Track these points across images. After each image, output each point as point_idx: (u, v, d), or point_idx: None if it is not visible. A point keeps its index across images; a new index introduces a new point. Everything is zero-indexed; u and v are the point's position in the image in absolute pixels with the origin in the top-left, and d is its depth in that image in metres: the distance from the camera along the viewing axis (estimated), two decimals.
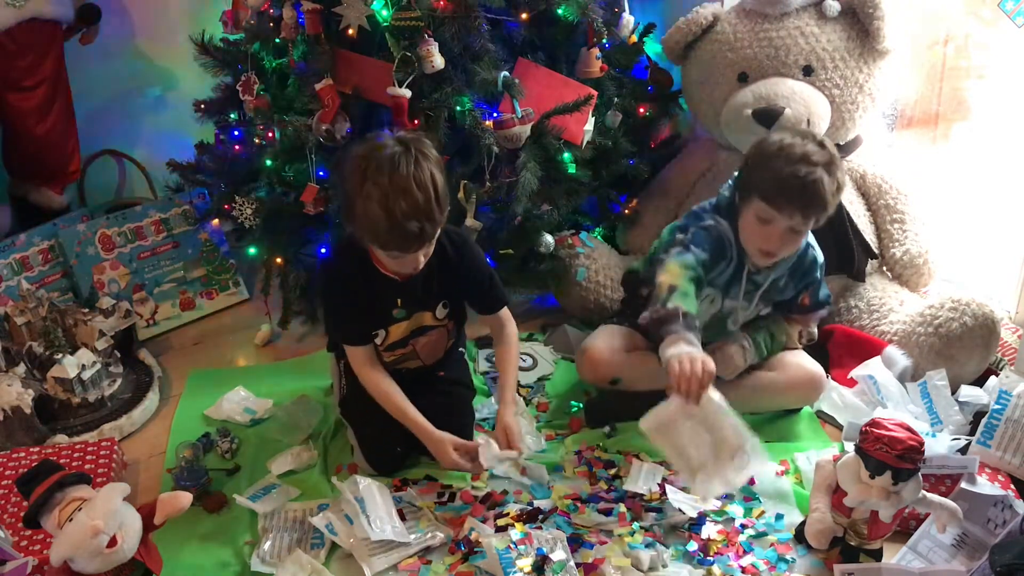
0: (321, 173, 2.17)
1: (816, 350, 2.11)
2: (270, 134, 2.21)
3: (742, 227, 1.86)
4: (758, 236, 1.83)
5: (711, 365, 1.63)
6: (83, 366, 2.07)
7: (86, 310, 2.24)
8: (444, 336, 1.97)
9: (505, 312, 1.97)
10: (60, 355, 2.08)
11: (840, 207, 2.25)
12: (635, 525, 1.77)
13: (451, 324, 1.96)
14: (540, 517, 1.78)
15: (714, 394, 1.63)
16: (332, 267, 2.00)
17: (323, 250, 2.30)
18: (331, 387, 2.15)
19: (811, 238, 1.94)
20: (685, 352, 1.63)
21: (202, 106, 2.51)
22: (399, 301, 1.85)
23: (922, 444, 1.53)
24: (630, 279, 2.18)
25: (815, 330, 2.12)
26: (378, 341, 1.89)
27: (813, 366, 2.05)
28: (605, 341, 2.08)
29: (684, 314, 1.70)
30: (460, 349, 2.11)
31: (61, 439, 2.03)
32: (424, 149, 1.66)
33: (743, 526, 1.77)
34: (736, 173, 1.89)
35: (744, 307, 1.98)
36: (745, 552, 1.71)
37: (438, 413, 1.92)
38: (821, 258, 1.97)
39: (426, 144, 1.69)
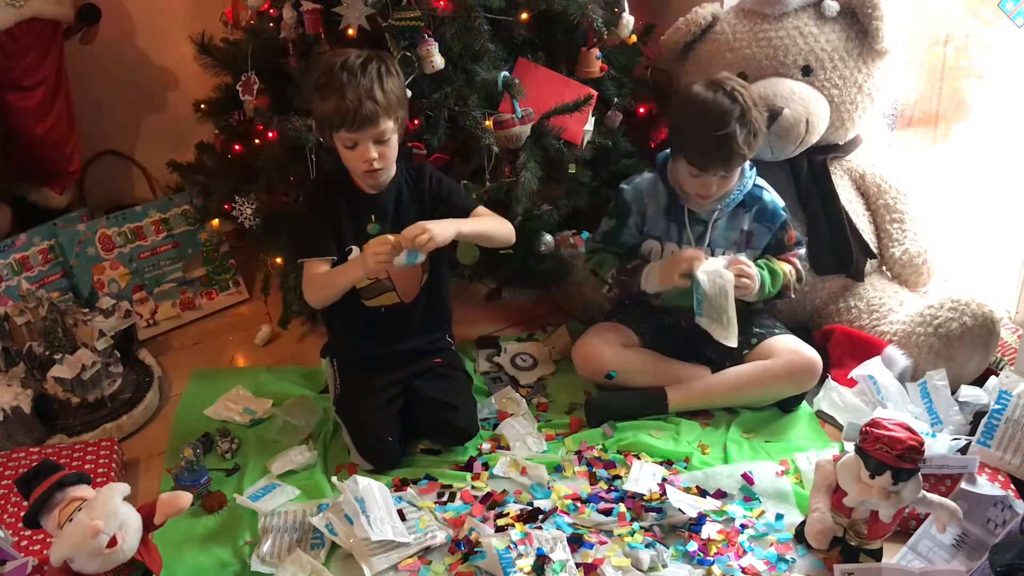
0: None
1: (816, 350, 2.10)
2: (270, 134, 2.21)
3: (678, 176, 2.06)
4: (694, 185, 2.02)
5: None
6: (83, 366, 2.07)
7: (86, 310, 2.24)
8: (418, 267, 1.99)
9: (481, 209, 2.02)
10: (60, 355, 2.08)
11: (838, 207, 2.28)
12: (635, 525, 1.77)
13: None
14: (540, 517, 1.78)
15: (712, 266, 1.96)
16: (312, 184, 2.08)
17: None
18: (326, 387, 2.17)
19: (760, 180, 2.12)
20: (654, 278, 2.05)
21: (202, 106, 2.51)
22: (373, 216, 1.94)
23: (922, 444, 1.53)
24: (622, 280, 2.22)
25: (801, 267, 2.15)
26: (352, 258, 1.95)
27: (808, 351, 2.07)
28: (600, 337, 2.15)
29: (623, 272, 2.10)
30: (449, 339, 2.14)
31: (61, 439, 2.03)
32: (376, 54, 1.86)
33: (743, 526, 1.77)
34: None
35: (707, 253, 2.05)
36: (745, 552, 1.71)
37: (440, 395, 1.97)
38: (772, 194, 2.13)
39: (382, 53, 1.88)
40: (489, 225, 1.97)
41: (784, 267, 2.10)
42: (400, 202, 1.97)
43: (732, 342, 1.98)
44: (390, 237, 1.82)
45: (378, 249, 1.80)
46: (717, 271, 1.95)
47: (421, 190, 1.98)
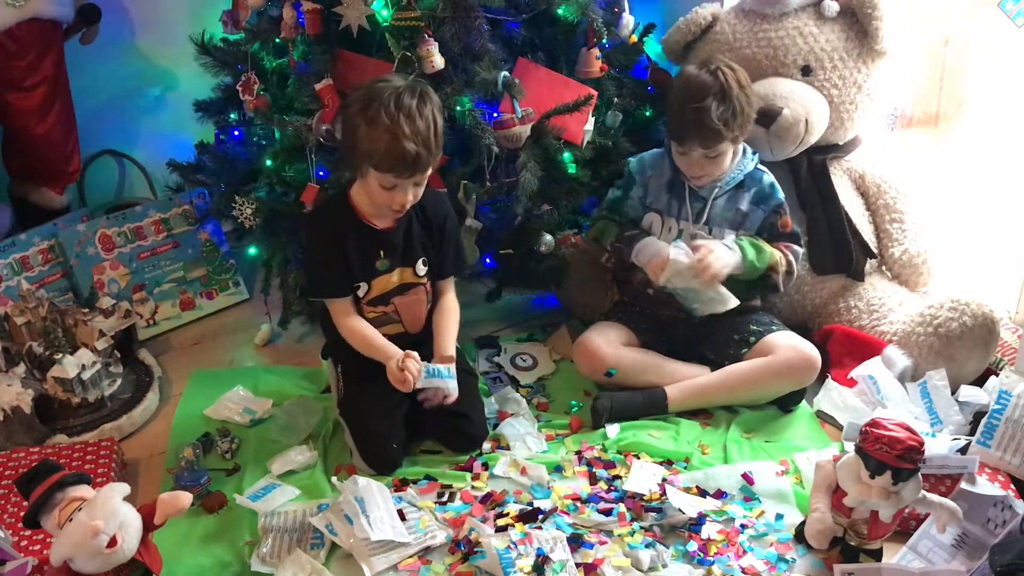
0: (321, 173, 2.17)
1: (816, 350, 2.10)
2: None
3: (674, 155, 2.10)
4: (684, 165, 2.08)
5: (660, 257, 2.01)
6: (83, 366, 2.07)
7: (86, 310, 2.24)
8: (423, 298, 2.00)
9: (450, 282, 2.05)
10: (60, 355, 2.08)
11: (838, 207, 2.28)
12: (635, 525, 1.77)
13: (430, 286, 2.01)
14: (540, 517, 1.78)
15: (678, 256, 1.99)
16: (315, 220, 2.05)
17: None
18: (328, 387, 2.16)
19: (763, 166, 2.13)
20: (644, 257, 2.06)
21: (202, 106, 2.51)
22: (381, 252, 1.92)
23: (922, 444, 1.53)
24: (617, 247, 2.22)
25: (794, 261, 2.12)
26: (360, 294, 1.95)
27: (807, 347, 2.07)
28: (600, 335, 2.16)
29: (620, 239, 2.13)
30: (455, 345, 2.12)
31: (61, 439, 2.03)
32: (426, 91, 1.82)
33: (743, 526, 1.77)
34: None
35: (703, 230, 2.10)
36: (745, 552, 1.71)
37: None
38: (772, 178, 2.13)
39: (428, 88, 1.84)
40: (454, 331, 2.02)
41: (769, 248, 2.08)
42: (410, 234, 1.95)
43: (730, 304, 2.03)
44: (415, 370, 1.84)
45: (400, 378, 1.84)
46: (674, 273, 2.00)
47: (431, 221, 1.97)
